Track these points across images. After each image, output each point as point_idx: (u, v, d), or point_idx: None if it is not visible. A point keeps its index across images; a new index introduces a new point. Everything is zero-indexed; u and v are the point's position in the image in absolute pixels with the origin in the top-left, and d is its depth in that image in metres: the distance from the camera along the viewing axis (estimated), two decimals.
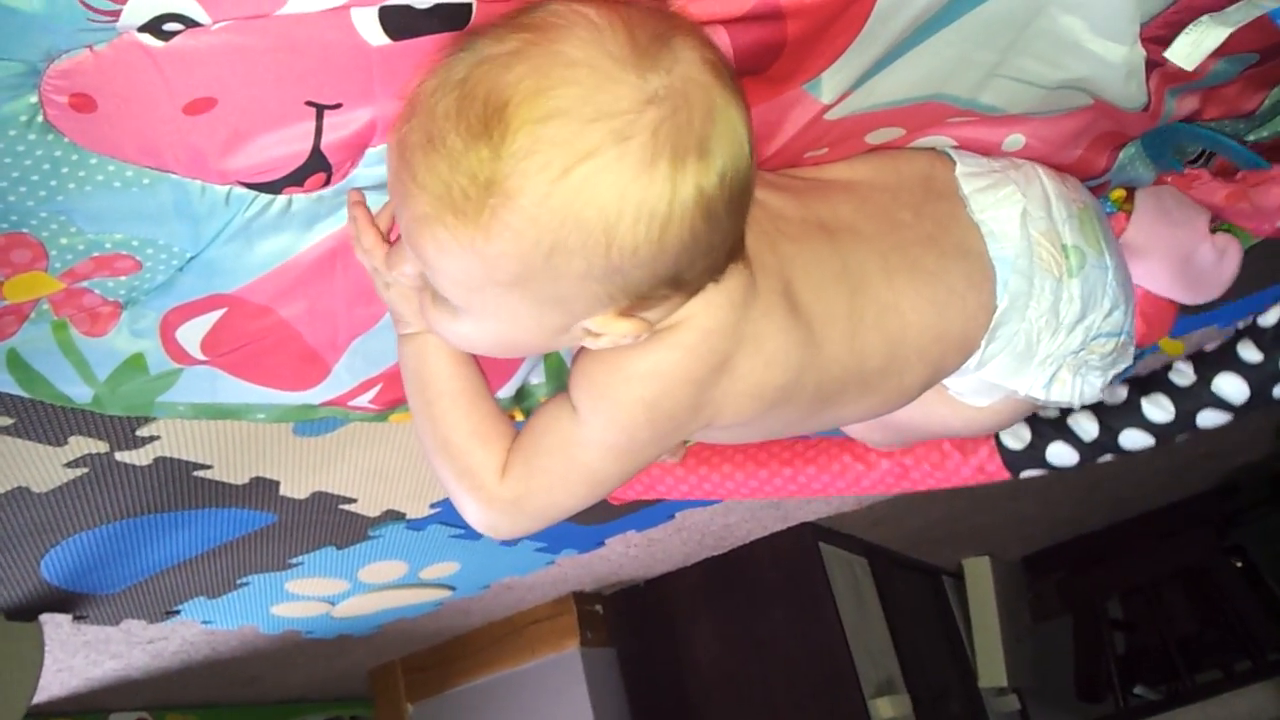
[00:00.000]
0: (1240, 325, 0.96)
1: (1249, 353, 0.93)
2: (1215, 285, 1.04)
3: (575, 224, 0.56)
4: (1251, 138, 0.99)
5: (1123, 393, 1.01)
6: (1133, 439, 1.00)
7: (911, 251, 0.81)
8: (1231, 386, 0.94)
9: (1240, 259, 1.03)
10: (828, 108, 0.76)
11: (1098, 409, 1.02)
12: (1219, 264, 1.03)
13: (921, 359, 0.82)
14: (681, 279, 0.62)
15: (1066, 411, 1.04)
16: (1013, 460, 1.07)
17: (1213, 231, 1.02)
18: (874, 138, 0.84)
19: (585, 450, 0.73)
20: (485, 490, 0.76)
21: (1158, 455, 2.58)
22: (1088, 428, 1.02)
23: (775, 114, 0.77)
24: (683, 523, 2.03)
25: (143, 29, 0.56)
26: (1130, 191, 1.03)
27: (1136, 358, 1.11)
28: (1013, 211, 0.83)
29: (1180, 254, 1.01)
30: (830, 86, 0.74)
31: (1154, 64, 0.78)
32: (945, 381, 0.89)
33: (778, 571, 2.31)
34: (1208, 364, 0.96)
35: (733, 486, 1.15)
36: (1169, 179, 0.98)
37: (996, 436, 1.08)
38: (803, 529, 2.28)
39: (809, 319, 0.74)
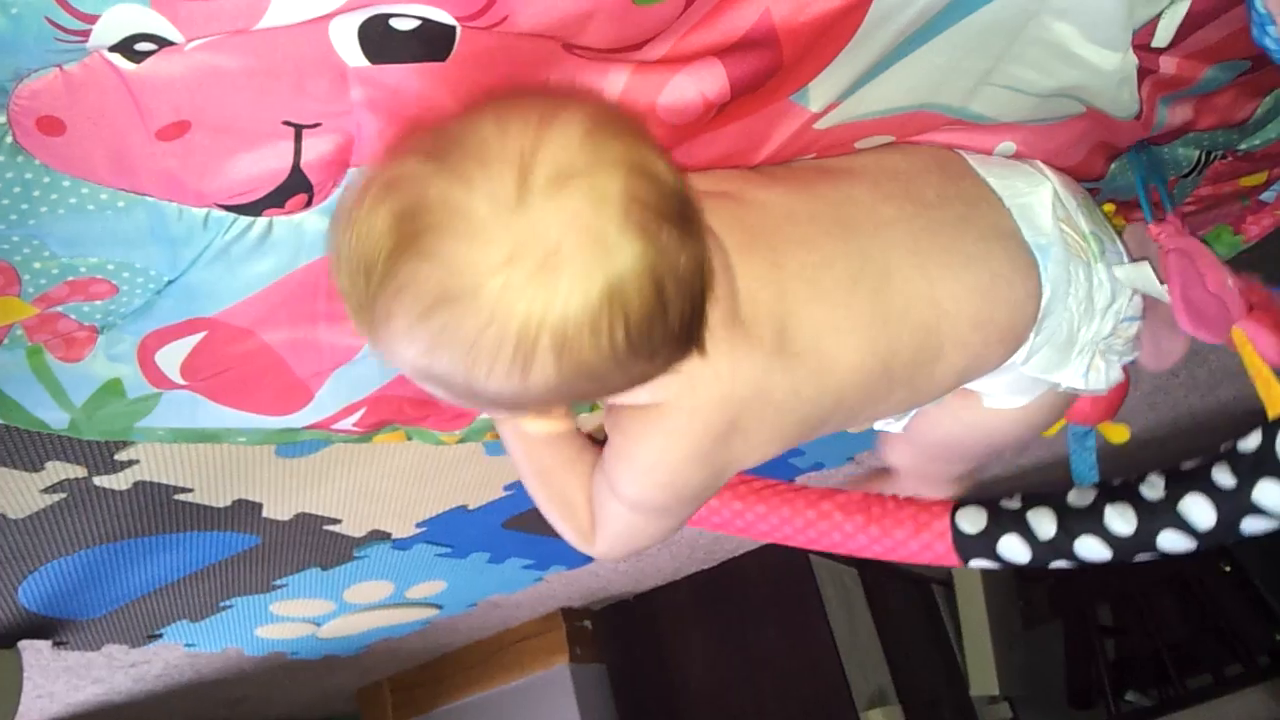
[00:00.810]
0: (1222, 448, 0.92)
1: (1223, 477, 0.86)
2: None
3: (437, 358, 0.58)
4: (1243, 146, 0.99)
5: (1090, 496, 0.98)
6: (1088, 548, 0.95)
7: (945, 233, 0.76)
8: (1198, 510, 0.86)
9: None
10: (816, 116, 0.75)
11: (1059, 509, 0.98)
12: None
13: (958, 348, 0.78)
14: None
15: (1026, 505, 1.01)
16: (964, 546, 1.03)
17: None
18: (864, 145, 0.82)
19: (634, 517, 0.78)
20: (584, 543, 0.84)
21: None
22: (1045, 528, 0.98)
23: (762, 125, 0.76)
24: (672, 537, 2.02)
25: (113, 49, 0.54)
26: (1118, 206, 1.02)
27: (1079, 439, 1.09)
28: (1044, 195, 0.80)
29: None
30: (818, 95, 0.73)
31: (1146, 72, 0.77)
32: (977, 388, 0.87)
33: (767, 584, 2.30)
34: (1179, 481, 0.91)
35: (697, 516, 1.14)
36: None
37: (953, 517, 1.04)
38: None
39: (818, 343, 0.72)
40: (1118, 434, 1.10)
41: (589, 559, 1.98)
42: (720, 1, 0.62)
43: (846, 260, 0.73)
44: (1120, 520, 0.91)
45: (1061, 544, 0.95)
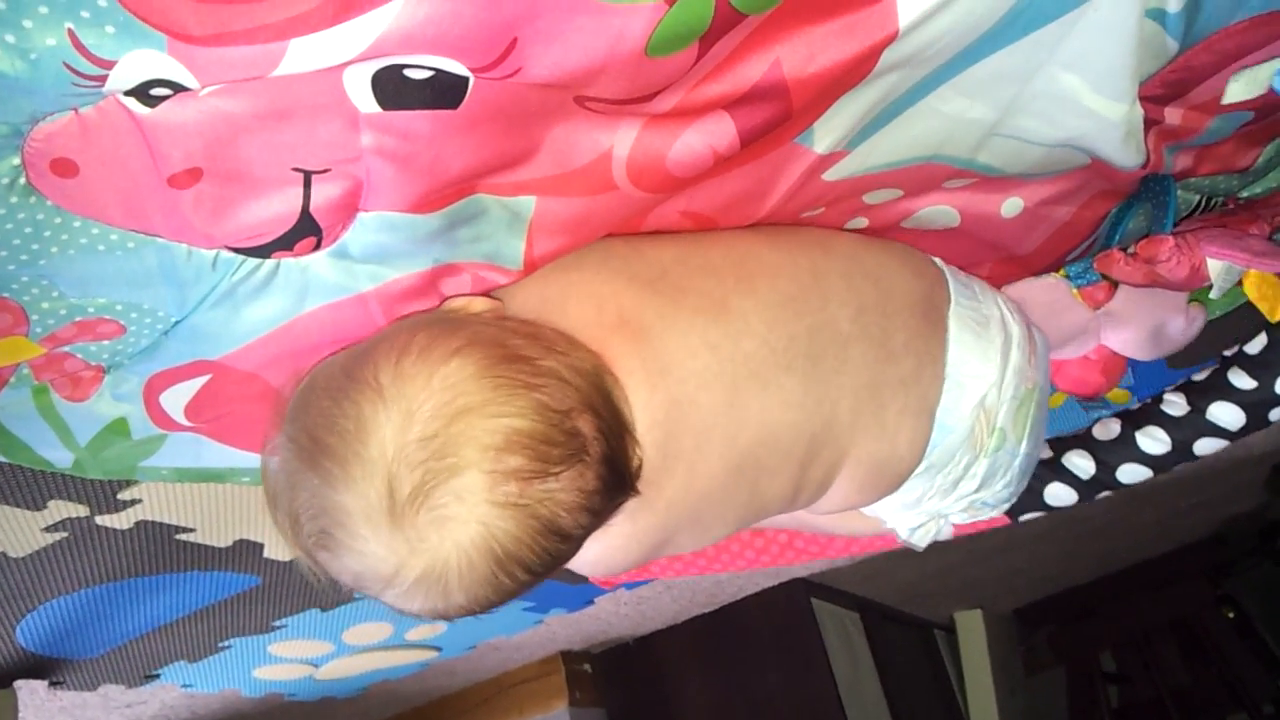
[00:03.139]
0: (1226, 354, 0.97)
1: (1241, 380, 0.95)
2: (1174, 348, 1.05)
3: None
4: (1245, 194, 0.99)
5: (1115, 428, 1.02)
6: (1131, 473, 1.01)
7: (883, 394, 0.81)
8: (1228, 414, 0.96)
9: (1201, 328, 1.03)
10: (823, 161, 0.76)
11: (1091, 445, 1.02)
12: (1184, 332, 1.04)
13: (840, 496, 0.84)
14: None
15: (1059, 450, 1.04)
16: (1012, 506, 1.06)
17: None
18: (871, 198, 0.83)
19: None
20: None
21: (1147, 507, 2.58)
22: (1083, 465, 1.02)
23: (767, 170, 0.76)
24: (673, 580, 2.01)
25: (129, 93, 0.55)
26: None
27: (1089, 408, 1.11)
28: (979, 387, 0.84)
29: (1155, 324, 1.02)
30: (823, 135, 0.74)
31: (1151, 122, 0.78)
32: None
33: (769, 628, 2.28)
34: (1200, 394, 0.98)
35: (752, 556, 1.16)
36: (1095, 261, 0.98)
37: None
38: (794, 585, 2.26)
39: (758, 480, 0.78)
40: (1122, 396, 1.13)
41: (590, 601, 1.97)
42: (731, 54, 0.62)
43: (801, 408, 0.78)
44: (1153, 442, 0.98)
45: (1104, 477, 1.00)
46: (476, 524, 0.63)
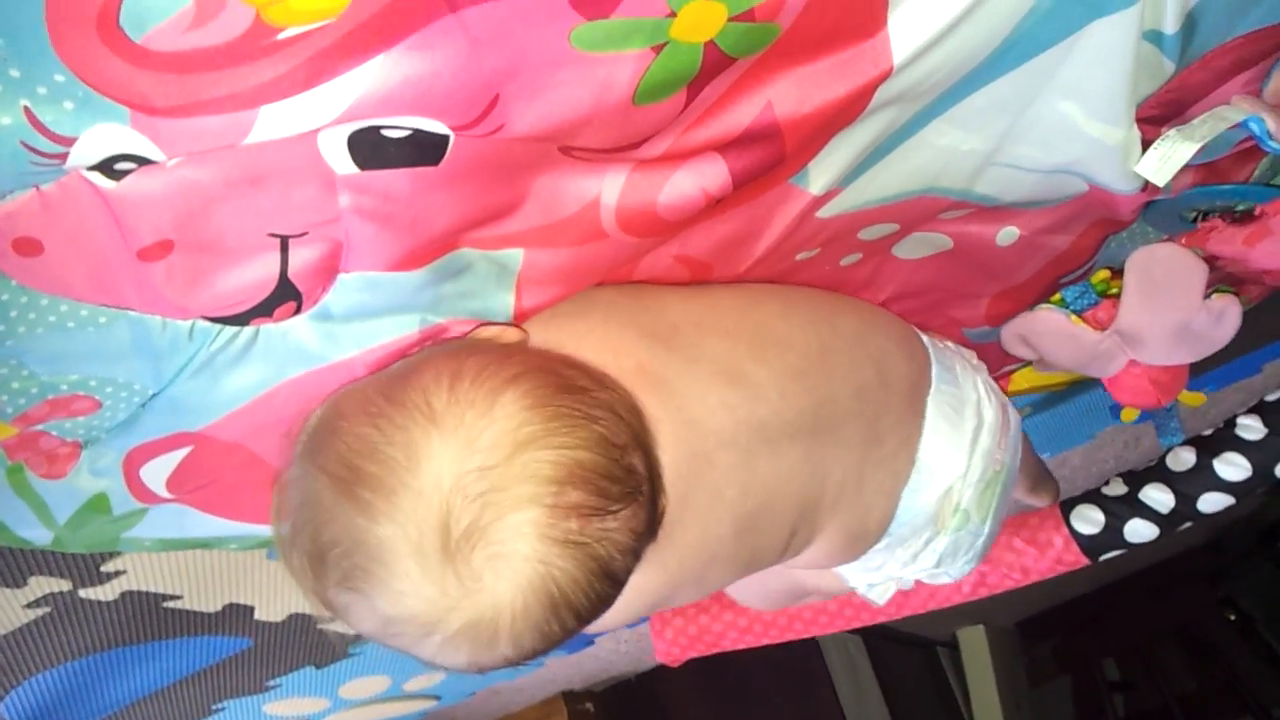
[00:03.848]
0: None
1: None
2: (1214, 344, 1.03)
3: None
4: (1241, 208, 0.98)
5: (1189, 457, 0.99)
6: (1212, 502, 0.98)
7: (865, 472, 0.82)
8: None
9: (1240, 315, 1.01)
10: (817, 201, 0.74)
11: (1167, 477, 0.99)
12: (1216, 326, 1.01)
13: (811, 561, 0.86)
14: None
15: (1134, 485, 1.02)
16: (1090, 545, 1.04)
17: (1208, 296, 1.01)
18: (867, 234, 0.81)
19: None
20: None
21: None
22: (1162, 499, 0.99)
23: (761, 211, 0.75)
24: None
25: (92, 168, 0.52)
26: (1114, 272, 1.02)
27: (1160, 420, 1.09)
28: (948, 475, 0.85)
29: (1175, 328, 0.99)
30: (817, 176, 0.72)
31: (1149, 144, 0.76)
32: None
33: (772, 656, 2.24)
34: (1276, 413, 0.94)
35: (825, 621, 1.16)
36: (1182, 240, 0.96)
37: (1067, 521, 1.06)
38: None
39: (757, 542, 0.77)
40: (1194, 399, 1.11)
41: (590, 642, 1.94)
42: (721, 97, 0.60)
43: (801, 478, 0.78)
44: (1233, 469, 0.94)
45: (1185, 509, 0.97)
46: (537, 563, 0.58)
